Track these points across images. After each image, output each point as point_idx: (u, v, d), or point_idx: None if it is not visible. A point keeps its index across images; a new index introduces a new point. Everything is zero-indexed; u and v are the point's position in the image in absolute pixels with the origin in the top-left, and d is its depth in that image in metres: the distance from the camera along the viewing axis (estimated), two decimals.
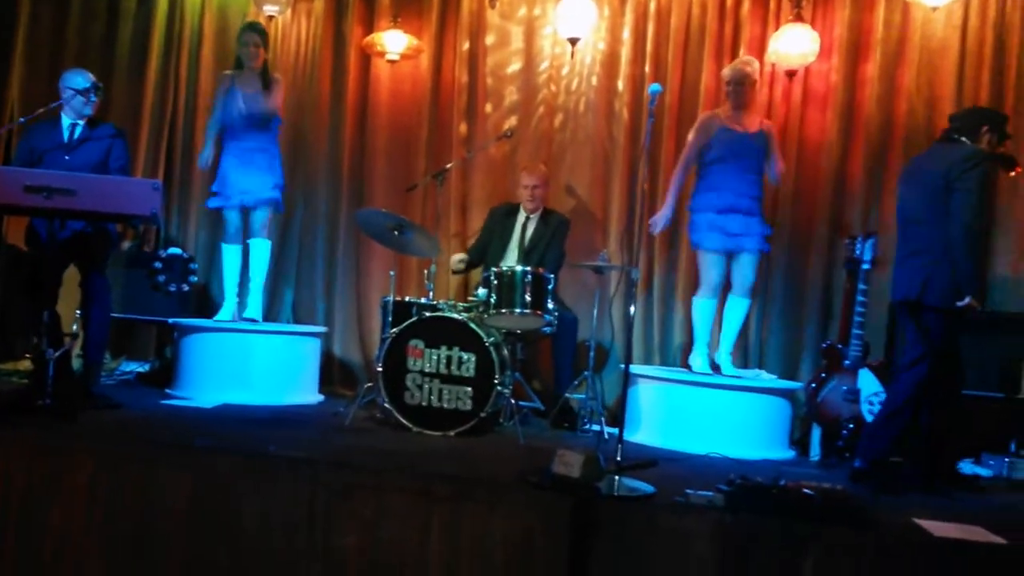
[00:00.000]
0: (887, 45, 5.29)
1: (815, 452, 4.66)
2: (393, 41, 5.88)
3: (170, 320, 5.41)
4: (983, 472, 4.51)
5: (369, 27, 6.03)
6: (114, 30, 6.21)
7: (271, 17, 5.97)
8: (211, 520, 3.25)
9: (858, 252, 4.63)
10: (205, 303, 6.00)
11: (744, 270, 4.93)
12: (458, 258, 5.52)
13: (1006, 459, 4.51)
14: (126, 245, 5.87)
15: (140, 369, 5.75)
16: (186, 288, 5.70)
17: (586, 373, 4.87)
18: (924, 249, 3.86)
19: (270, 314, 5.89)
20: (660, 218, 5.04)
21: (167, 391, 5.13)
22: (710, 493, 3.14)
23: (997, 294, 5.08)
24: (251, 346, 5.12)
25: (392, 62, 5.96)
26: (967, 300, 3.77)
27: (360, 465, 3.38)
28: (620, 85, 5.68)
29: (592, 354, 4.87)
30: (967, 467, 4.56)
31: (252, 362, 5.09)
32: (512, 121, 5.84)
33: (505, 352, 4.63)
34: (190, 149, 6.15)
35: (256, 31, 5.37)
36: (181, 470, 3.30)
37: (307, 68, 6.14)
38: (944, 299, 3.80)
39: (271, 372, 5.11)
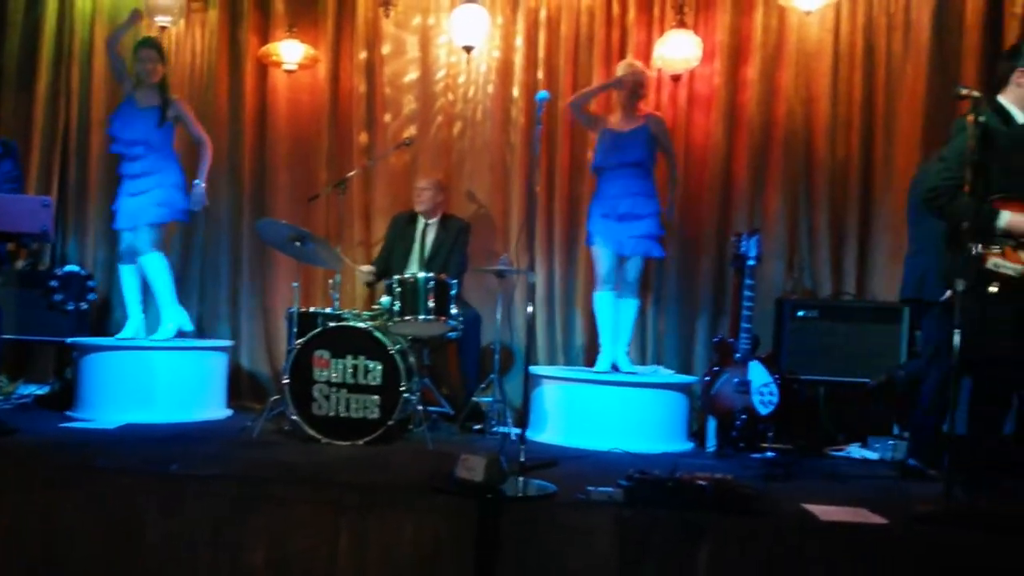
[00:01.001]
0: (766, 49, 5.52)
1: (711, 443, 4.81)
2: (289, 51, 5.87)
3: (68, 340, 5.28)
4: (870, 455, 4.73)
5: (265, 37, 6.01)
6: (0, 41, 6.05)
7: (164, 28, 5.89)
8: (115, 541, 3.22)
9: (743, 249, 4.76)
10: (105, 321, 5.89)
11: (631, 272, 5.12)
12: (366, 270, 5.55)
13: (890, 442, 4.71)
14: (20, 264, 5.72)
15: (38, 392, 5.60)
16: (84, 306, 5.56)
17: (492, 376, 4.95)
18: (920, 249, 4.08)
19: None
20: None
21: (67, 413, 5.00)
22: (611, 489, 3.22)
23: (876, 285, 5.38)
24: (154, 363, 5.03)
25: (289, 72, 5.95)
26: (948, 294, 3.83)
27: (265, 478, 3.39)
28: (516, 92, 5.79)
29: (497, 357, 4.96)
30: (855, 451, 4.80)
31: (156, 379, 5.00)
32: (411, 130, 5.88)
33: (411, 359, 4.68)
34: (85, 164, 6.05)
35: (153, 47, 5.32)
36: (81, 491, 3.26)
37: (203, 79, 6.09)
38: (938, 294, 3.95)
39: (176, 389, 5.03)
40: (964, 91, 3.35)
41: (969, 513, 3.17)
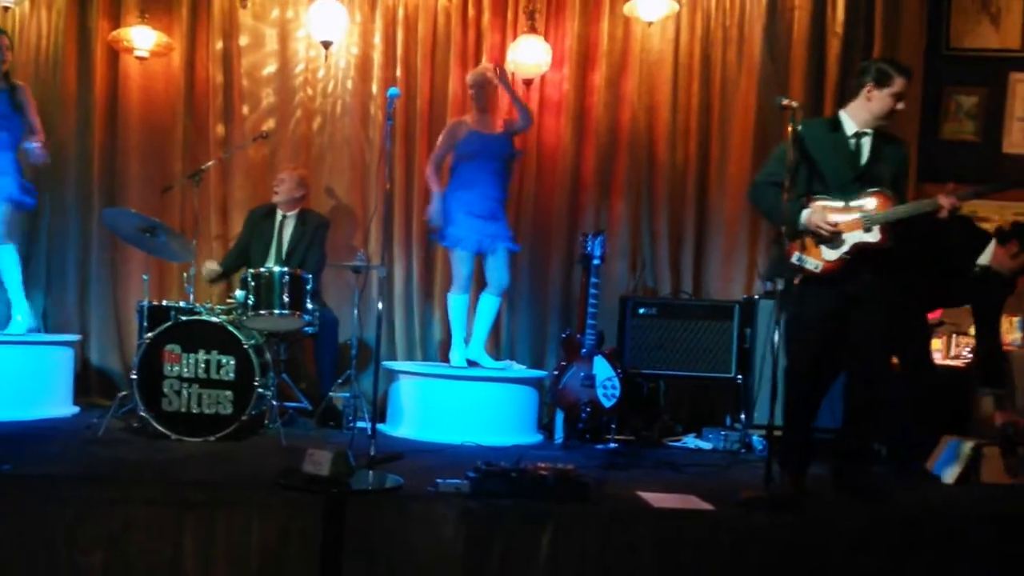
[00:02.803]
0: (612, 56, 5.74)
1: (559, 435, 4.98)
2: (141, 37, 5.69)
3: None
4: (704, 445, 5.01)
5: (116, 22, 5.80)
6: None
7: (7, 8, 5.64)
8: None
9: (589, 249, 4.94)
10: None
11: (499, 271, 5.23)
12: (209, 267, 5.38)
13: (722, 432, 5.00)
14: None
15: None
16: None
17: (349, 371, 5.00)
18: None
19: None
20: (433, 211, 5.24)
21: None
22: (459, 481, 3.31)
23: (711, 284, 5.71)
24: None
25: (142, 59, 5.77)
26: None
27: (103, 477, 3.34)
28: (375, 88, 5.81)
29: (354, 352, 4.99)
30: (691, 442, 5.07)
31: None
32: (270, 123, 5.83)
33: (267, 354, 4.67)
34: None
35: (4, 33, 5.13)
36: None
37: (49, 63, 5.82)
38: None
39: (16, 385, 4.84)
40: (785, 102, 3.63)
41: (787, 498, 3.43)
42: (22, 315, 5.17)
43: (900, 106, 3.73)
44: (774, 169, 3.77)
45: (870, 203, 3.66)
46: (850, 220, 3.65)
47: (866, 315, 3.69)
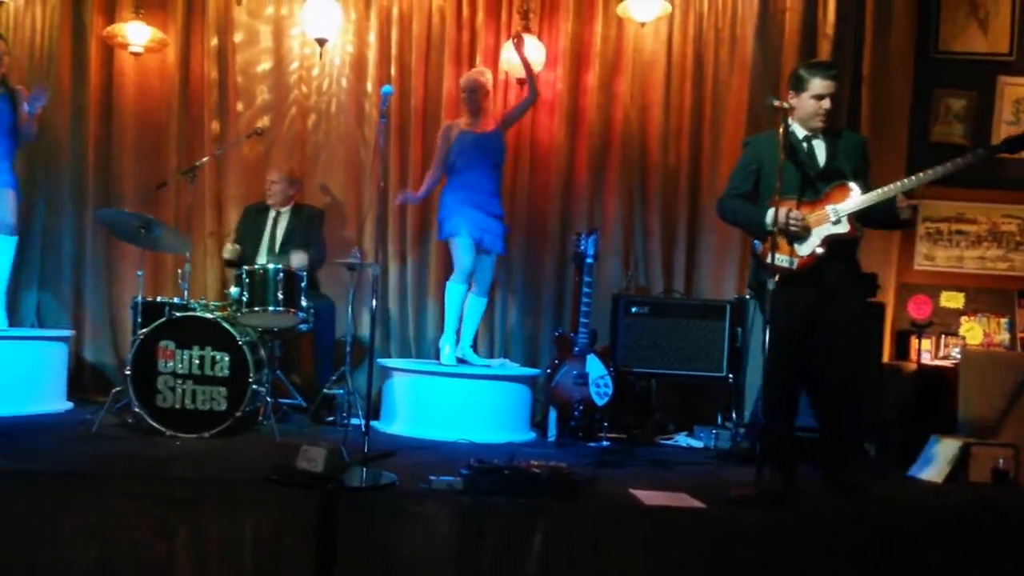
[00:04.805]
0: (605, 57, 5.78)
1: (552, 433, 5.01)
2: (136, 33, 5.72)
3: None
4: (695, 443, 5.04)
5: (111, 18, 5.84)
6: None
7: (1, 3, 5.64)
8: None
9: (582, 247, 4.97)
10: None
11: (487, 271, 5.30)
12: (230, 247, 5.42)
13: (713, 431, 5.03)
14: None
15: None
16: None
17: (343, 368, 5.02)
18: None
19: (12, 318, 5.60)
20: (408, 195, 5.36)
21: None
22: (451, 478, 3.33)
23: (703, 283, 5.76)
24: None
25: (136, 55, 5.79)
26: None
27: (97, 473, 3.35)
28: (369, 87, 5.84)
29: (349, 349, 5.00)
30: (683, 440, 5.11)
31: None
32: (265, 120, 5.86)
33: (262, 351, 4.68)
34: None
35: (2, 38, 5.16)
36: None
37: (43, 59, 5.84)
38: None
39: (8, 380, 4.84)
40: (776, 103, 3.68)
41: (777, 495, 3.46)
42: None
43: (824, 104, 3.77)
44: (736, 183, 3.96)
45: (832, 196, 3.74)
46: (817, 214, 3.73)
47: (842, 306, 3.76)
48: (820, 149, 3.83)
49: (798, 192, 3.75)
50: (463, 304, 5.28)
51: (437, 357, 5.39)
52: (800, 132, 3.85)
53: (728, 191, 4.02)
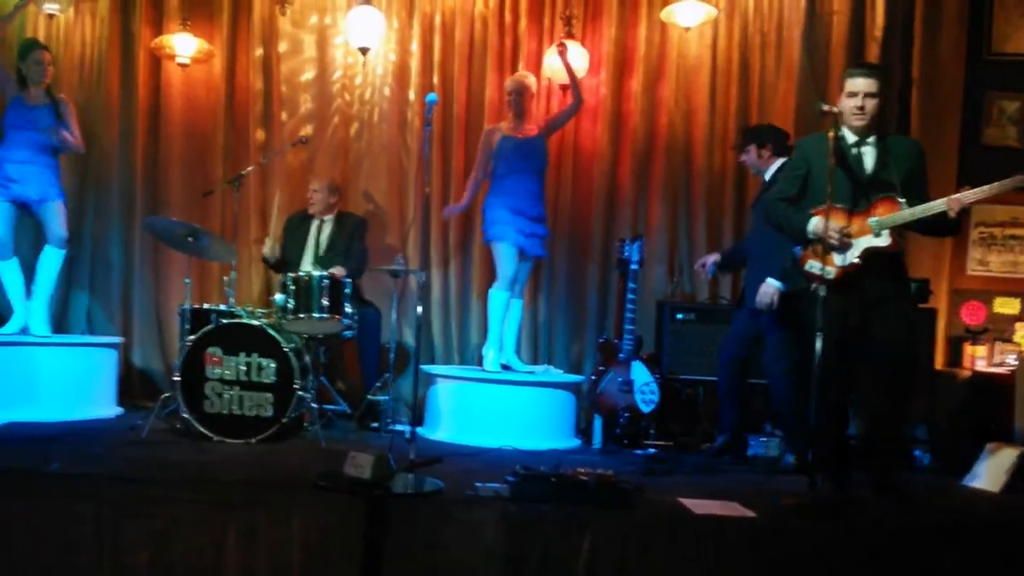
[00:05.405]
0: (648, 62, 5.75)
1: (597, 440, 4.98)
2: (183, 44, 5.80)
3: None
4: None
5: (158, 29, 5.91)
6: None
7: (51, 16, 5.76)
8: None
9: (627, 254, 4.93)
10: None
11: (522, 275, 5.30)
12: (270, 243, 5.44)
13: (762, 439, 4.89)
14: None
15: None
16: None
17: (387, 375, 5.03)
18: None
19: (63, 325, 5.72)
20: (452, 207, 5.41)
21: None
22: (498, 485, 3.34)
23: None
24: (37, 360, 4.94)
25: (183, 66, 5.87)
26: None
27: (148, 478, 3.38)
28: (412, 95, 5.86)
29: (392, 355, 5.02)
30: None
31: (39, 376, 4.90)
32: (308, 129, 5.89)
33: (307, 357, 4.72)
34: None
35: (46, 48, 5.26)
36: None
37: (93, 70, 5.94)
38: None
39: (61, 386, 4.94)
40: (825, 107, 3.64)
41: (830, 504, 3.41)
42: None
43: (857, 102, 3.72)
44: (783, 186, 3.94)
45: (878, 208, 3.68)
46: (860, 226, 3.68)
47: (887, 315, 3.69)
48: (869, 156, 3.77)
49: (851, 201, 3.70)
50: (507, 310, 5.27)
51: (480, 363, 5.38)
52: (851, 137, 3.79)
53: (775, 195, 4.01)
